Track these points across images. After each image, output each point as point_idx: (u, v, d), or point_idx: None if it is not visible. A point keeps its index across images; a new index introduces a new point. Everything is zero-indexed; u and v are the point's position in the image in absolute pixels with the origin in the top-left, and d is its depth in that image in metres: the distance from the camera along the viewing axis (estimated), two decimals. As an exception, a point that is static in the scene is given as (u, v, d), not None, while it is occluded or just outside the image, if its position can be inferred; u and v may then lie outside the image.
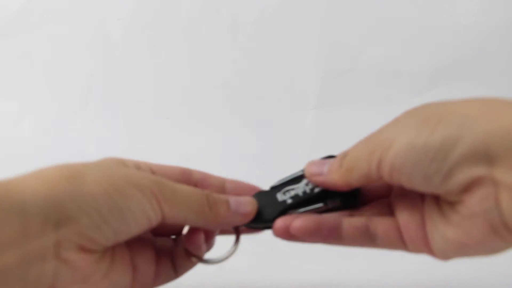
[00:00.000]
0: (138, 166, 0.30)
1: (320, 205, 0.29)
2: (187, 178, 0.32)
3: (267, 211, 0.30)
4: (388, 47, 0.77)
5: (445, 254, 0.24)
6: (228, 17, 0.78)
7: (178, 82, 0.79)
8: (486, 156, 0.20)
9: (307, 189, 0.29)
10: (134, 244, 0.28)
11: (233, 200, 0.29)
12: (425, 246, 0.25)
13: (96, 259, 0.24)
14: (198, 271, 0.31)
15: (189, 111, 0.77)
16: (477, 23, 0.75)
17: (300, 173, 0.31)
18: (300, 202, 0.29)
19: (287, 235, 0.28)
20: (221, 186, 0.32)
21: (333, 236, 0.27)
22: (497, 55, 0.75)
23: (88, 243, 0.23)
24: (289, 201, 0.29)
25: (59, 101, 0.80)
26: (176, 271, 0.30)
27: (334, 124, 0.75)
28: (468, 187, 0.21)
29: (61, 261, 0.22)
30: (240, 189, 0.32)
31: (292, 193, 0.30)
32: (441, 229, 0.23)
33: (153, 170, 0.31)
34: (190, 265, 0.31)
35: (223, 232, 0.33)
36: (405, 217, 0.26)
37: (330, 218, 0.27)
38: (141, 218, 0.24)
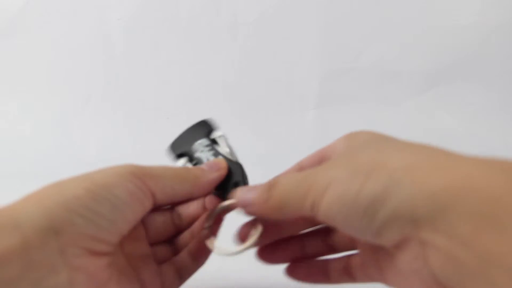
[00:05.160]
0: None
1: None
2: None
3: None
4: (388, 47, 0.77)
5: None
6: (228, 17, 0.78)
7: (178, 82, 0.79)
8: (411, 218, 0.20)
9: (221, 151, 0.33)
10: (137, 261, 0.29)
11: (204, 164, 0.31)
12: (384, 281, 0.26)
13: (108, 263, 0.25)
14: (198, 271, 0.31)
15: (189, 111, 0.77)
16: (477, 23, 0.75)
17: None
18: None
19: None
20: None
21: (324, 280, 0.30)
22: (497, 55, 0.75)
23: (93, 244, 0.24)
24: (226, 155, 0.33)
25: (59, 101, 0.81)
26: (181, 277, 0.31)
27: (334, 124, 0.75)
28: (399, 245, 0.21)
29: (73, 269, 0.23)
30: None
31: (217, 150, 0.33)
32: (389, 273, 0.24)
33: None
34: (194, 268, 0.31)
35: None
36: (362, 254, 0.27)
37: (319, 262, 0.30)
38: (132, 202, 0.25)
